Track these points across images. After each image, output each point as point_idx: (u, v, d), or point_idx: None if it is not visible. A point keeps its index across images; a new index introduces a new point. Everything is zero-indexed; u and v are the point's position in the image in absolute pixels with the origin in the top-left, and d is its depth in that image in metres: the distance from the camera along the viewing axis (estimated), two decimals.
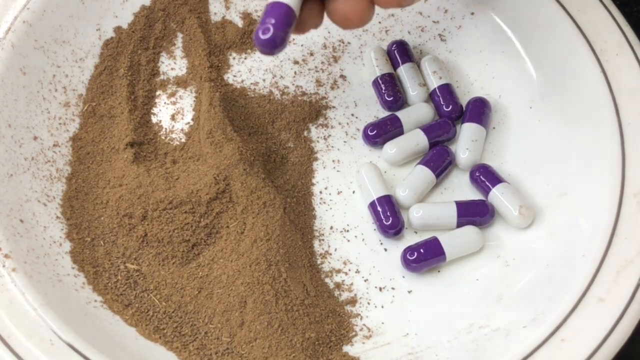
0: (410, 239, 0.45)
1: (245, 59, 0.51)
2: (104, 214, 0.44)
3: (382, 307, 0.43)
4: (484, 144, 0.47)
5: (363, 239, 0.45)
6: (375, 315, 0.43)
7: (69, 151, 0.46)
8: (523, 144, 0.47)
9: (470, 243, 0.44)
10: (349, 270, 0.44)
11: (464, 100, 0.49)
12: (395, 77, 0.49)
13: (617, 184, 0.43)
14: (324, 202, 0.46)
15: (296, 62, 0.51)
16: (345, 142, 0.48)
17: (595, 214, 0.42)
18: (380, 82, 0.49)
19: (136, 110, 0.48)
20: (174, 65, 0.50)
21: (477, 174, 0.46)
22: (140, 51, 0.50)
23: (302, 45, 0.51)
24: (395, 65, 0.50)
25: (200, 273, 0.43)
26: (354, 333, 0.42)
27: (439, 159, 0.46)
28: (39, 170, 0.45)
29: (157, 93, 0.49)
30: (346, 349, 0.42)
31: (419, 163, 0.46)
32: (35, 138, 0.45)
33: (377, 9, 0.38)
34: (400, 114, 0.48)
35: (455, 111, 0.48)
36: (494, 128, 0.48)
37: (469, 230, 0.44)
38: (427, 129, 0.47)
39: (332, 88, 0.50)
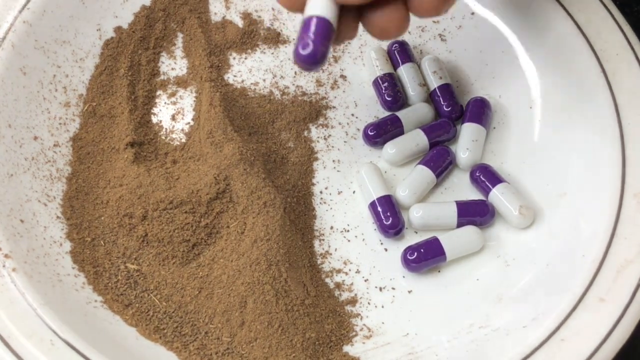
0: (411, 239, 0.45)
1: (246, 59, 0.51)
2: (104, 213, 0.44)
3: (383, 307, 0.43)
4: (484, 144, 0.47)
5: (363, 239, 0.45)
6: (375, 315, 0.43)
7: (69, 151, 0.46)
8: (523, 144, 0.47)
9: (470, 243, 0.44)
10: (349, 270, 0.44)
11: (464, 100, 0.49)
12: (395, 77, 0.49)
13: (618, 184, 0.43)
14: (324, 202, 0.47)
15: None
16: (345, 142, 0.48)
17: (596, 214, 0.42)
18: (381, 82, 0.49)
19: (136, 110, 0.48)
20: (174, 65, 0.50)
21: (477, 174, 0.46)
22: (140, 51, 0.50)
23: None
24: (395, 65, 0.50)
25: (201, 273, 0.43)
26: (354, 333, 0.42)
27: (439, 159, 0.46)
28: (39, 170, 0.45)
29: (158, 93, 0.49)
30: (346, 349, 0.42)
31: (419, 163, 0.46)
32: (35, 138, 0.45)
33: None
34: (400, 114, 0.48)
35: (455, 111, 0.48)
36: (494, 128, 0.48)
37: (469, 230, 0.44)
38: (428, 129, 0.47)
39: (333, 88, 0.50)
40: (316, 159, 0.48)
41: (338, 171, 0.48)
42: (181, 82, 0.50)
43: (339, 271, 0.44)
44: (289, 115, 0.49)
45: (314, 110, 0.49)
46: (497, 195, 0.45)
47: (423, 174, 0.46)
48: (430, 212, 0.45)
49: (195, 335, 0.41)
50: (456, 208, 0.45)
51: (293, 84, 0.50)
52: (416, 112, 0.48)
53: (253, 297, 0.41)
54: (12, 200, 0.42)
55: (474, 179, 0.46)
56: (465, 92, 0.50)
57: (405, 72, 0.49)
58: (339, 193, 0.47)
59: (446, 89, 0.48)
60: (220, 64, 0.50)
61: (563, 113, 0.47)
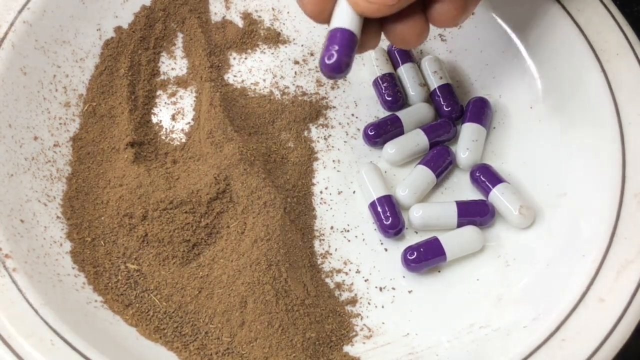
0: (411, 239, 0.45)
1: (246, 59, 0.51)
2: (105, 214, 0.44)
3: (383, 307, 0.43)
4: (484, 144, 0.47)
5: (363, 239, 0.45)
6: (375, 315, 0.43)
7: (70, 151, 0.46)
8: (523, 144, 0.47)
9: (470, 243, 0.44)
10: (350, 270, 0.44)
11: (464, 100, 0.49)
12: (395, 77, 0.49)
13: (618, 184, 0.43)
14: (325, 202, 0.46)
15: (296, 62, 0.51)
16: (345, 142, 0.48)
17: (596, 214, 0.42)
18: (381, 82, 0.49)
19: (136, 110, 0.48)
20: (174, 65, 0.50)
21: (477, 174, 0.46)
22: (140, 51, 0.50)
23: (302, 46, 0.51)
24: (395, 65, 0.50)
25: (201, 273, 0.43)
26: (354, 333, 0.42)
27: (439, 159, 0.46)
28: (39, 170, 0.45)
29: (158, 93, 0.49)
30: (346, 349, 0.42)
31: (419, 163, 0.46)
32: (35, 138, 0.45)
33: None
34: (400, 114, 0.48)
35: (455, 111, 0.48)
36: (494, 128, 0.48)
37: (470, 230, 0.44)
38: (428, 129, 0.47)
39: (333, 88, 0.50)
40: (316, 159, 0.48)
41: (338, 171, 0.48)
42: (181, 82, 0.50)
43: (339, 271, 0.44)
44: (289, 115, 0.49)
45: (314, 110, 0.49)
46: (497, 195, 0.45)
47: (423, 174, 0.46)
48: (431, 212, 0.45)
49: (196, 335, 0.41)
50: (456, 208, 0.45)
51: (293, 84, 0.50)
52: (416, 112, 0.48)
53: (253, 297, 0.41)
54: (13, 200, 0.42)
55: (474, 179, 0.46)
56: (465, 92, 0.50)
57: (405, 72, 0.49)
58: (339, 193, 0.47)
59: (446, 89, 0.48)
60: (220, 64, 0.50)
61: (563, 113, 0.47)
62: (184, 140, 0.48)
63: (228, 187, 0.44)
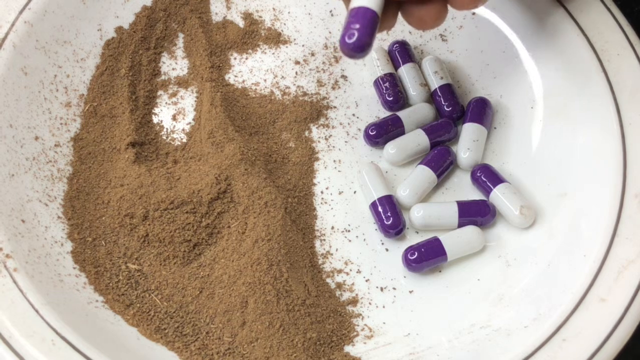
0: (412, 239, 0.45)
1: (247, 59, 0.51)
2: (106, 214, 0.44)
3: (384, 307, 0.43)
4: (485, 144, 0.47)
5: (364, 239, 0.45)
6: (376, 315, 0.43)
7: (70, 151, 0.46)
8: (524, 144, 0.47)
9: (471, 243, 0.44)
10: (350, 270, 0.44)
11: (465, 100, 0.49)
12: (396, 77, 0.49)
13: (619, 184, 0.43)
14: (325, 202, 0.47)
15: (297, 63, 0.51)
16: (346, 142, 0.48)
17: (597, 214, 0.42)
18: (382, 82, 0.49)
19: (137, 110, 0.48)
20: (175, 65, 0.50)
21: (478, 174, 0.46)
22: (141, 51, 0.50)
23: (303, 46, 0.51)
24: (396, 66, 0.50)
25: (202, 273, 0.43)
26: (355, 333, 0.42)
27: (440, 159, 0.46)
28: (40, 170, 0.45)
29: (159, 93, 0.49)
30: (347, 349, 0.42)
31: (420, 163, 0.46)
32: (36, 138, 0.45)
33: None
34: (401, 114, 0.48)
35: (456, 111, 0.48)
36: (495, 128, 0.48)
37: (470, 230, 0.44)
38: (429, 129, 0.47)
39: (333, 88, 0.50)
40: (317, 159, 0.48)
41: (339, 171, 0.48)
42: (182, 82, 0.50)
43: (340, 271, 0.44)
44: (290, 115, 0.49)
45: (315, 111, 0.49)
46: (498, 195, 0.45)
47: (424, 174, 0.46)
48: (431, 212, 0.45)
49: (197, 335, 0.41)
50: (457, 208, 0.45)
51: (294, 84, 0.50)
52: (417, 112, 0.48)
53: (254, 297, 0.41)
54: (14, 201, 0.42)
55: (475, 179, 0.46)
56: (466, 92, 0.50)
57: (406, 72, 0.49)
58: (340, 193, 0.47)
59: (447, 89, 0.48)
60: (221, 64, 0.50)
61: (564, 113, 0.47)
62: (184, 141, 0.48)
63: (229, 187, 0.44)
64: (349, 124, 0.49)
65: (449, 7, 0.38)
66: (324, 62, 0.51)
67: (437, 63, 0.49)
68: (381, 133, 0.47)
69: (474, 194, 0.46)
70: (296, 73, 0.50)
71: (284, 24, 0.52)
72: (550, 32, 0.48)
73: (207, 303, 0.42)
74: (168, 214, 0.43)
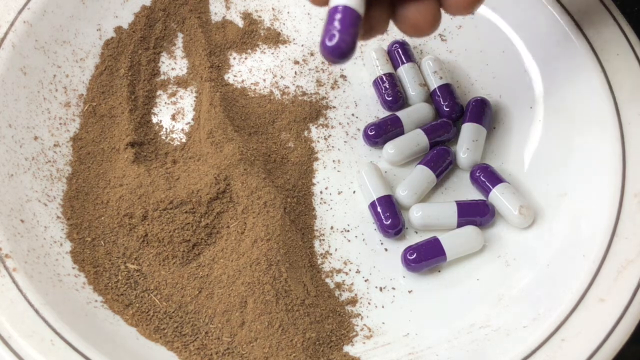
0: (411, 239, 0.45)
1: (246, 59, 0.51)
2: (105, 214, 0.44)
3: (383, 307, 0.43)
4: (484, 144, 0.47)
5: (363, 239, 0.45)
6: (375, 315, 0.43)
7: (70, 151, 0.46)
8: (523, 144, 0.47)
9: (470, 243, 0.44)
10: (350, 270, 0.44)
11: (464, 100, 0.49)
12: (395, 77, 0.49)
13: (618, 183, 0.43)
14: (325, 202, 0.46)
15: (296, 62, 0.51)
16: (345, 142, 0.48)
17: (596, 214, 0.42)
18: (381, 82, 0.49)
19: (137, 110, 0.48)
20: (174, 65, 0.50)
21: (477, 174, 0.46)
22: (140, 51, 0.50)
23: (302, 46, 0.51)
24: (395, 65, 0.50)
25: (201, 273, 0.43)
26: (354, 333, 0.42)
27: (439, 159, 0.46)
28: (39, 170, 0.45)
29: (158, 93, 0.49)
30: (347, 349, 0.42)
31: (419, 163, 0.46)
32: (35, 138, 0.45)
33: None
34: (400, 114, 0.48)
35: (455, 111, 0.48)
36: (494, 128, 0.48)
37: (470, 230, 0.44)
38: (428, 129, 0.47)
39: (333, 88, 0.50)
40: (316, 159, 0.48)
41: (338, 171, 0.48)
42: (181, 82, 0.50)
43: (339, 271, 0.44)
44: (289, 115, 0.49)
45: (314, 110, 0.49)
46: (498, 195, 0.45)
47: (423, 174, 0.46)
48: (431, 212, 0.45)
49: (196, 335, 0.41)
50: (456, 208, 0.45)
51: (293, 84, 0.50)
52: (416, 112, 0.48)
53: (253, 297, 0.41)
54: (13, 201, 0.42)
55: (474, 179, 0.46)
56: (465, 92, 0.50)
57: (405, 72, 0.49)
58: (339, 193, 0.47)
59: (446, 89, 0.48)
60: (220, 64, 0.50)
61: (563, 113, 0.47)
62: (184, 140, 0.48)
63: (228, 187, 0.44)
64: (348, 124, 0.49)
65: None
66: (323, 62, 0.51)
67: (436, 63, 0.49)
68: (380, 133, 0.47)
69: (473, 194, 0.46)
70: (295, 73, 0.50)
71: (283, 24, 0.52)
72: (549, 31, 0.48)
73: (206, 303, 0.42)
74: (167, 214, 0.43)
